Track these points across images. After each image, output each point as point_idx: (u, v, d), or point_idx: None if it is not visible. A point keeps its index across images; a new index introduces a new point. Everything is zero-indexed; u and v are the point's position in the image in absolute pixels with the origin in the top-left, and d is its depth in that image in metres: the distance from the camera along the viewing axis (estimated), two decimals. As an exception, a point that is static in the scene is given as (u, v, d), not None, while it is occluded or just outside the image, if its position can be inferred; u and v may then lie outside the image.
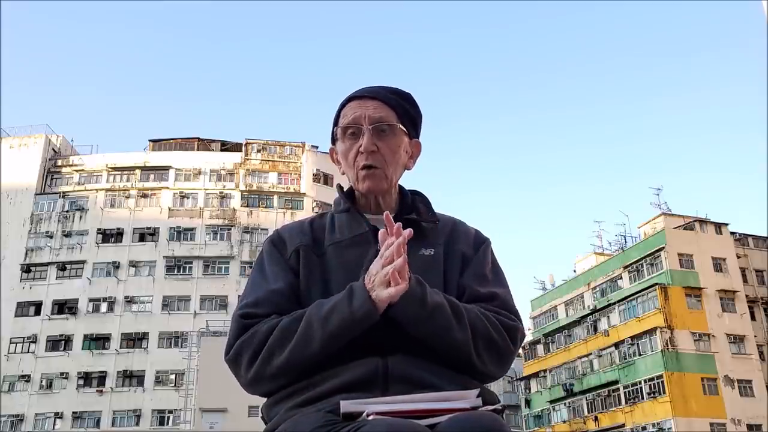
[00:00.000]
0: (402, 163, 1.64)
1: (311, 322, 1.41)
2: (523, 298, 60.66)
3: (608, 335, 46.70)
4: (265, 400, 1.52)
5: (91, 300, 49.84)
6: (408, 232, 1.38)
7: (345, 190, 1.67)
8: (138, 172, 54.23)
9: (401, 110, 1.63)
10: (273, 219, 50.61)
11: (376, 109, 1.60)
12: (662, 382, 41.90)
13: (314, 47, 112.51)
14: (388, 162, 1.59)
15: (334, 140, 1.67)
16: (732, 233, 48.14)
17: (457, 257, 1.60)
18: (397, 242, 1.36)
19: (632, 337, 44.60)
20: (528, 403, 54.33)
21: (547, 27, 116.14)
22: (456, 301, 1.48)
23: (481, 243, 1.66)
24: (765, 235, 49.62)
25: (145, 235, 51.86)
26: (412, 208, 1.65)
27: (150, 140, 57.57)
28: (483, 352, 1.46)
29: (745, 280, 46.30)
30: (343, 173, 1.67)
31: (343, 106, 1.64)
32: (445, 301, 1.45)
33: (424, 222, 1.62)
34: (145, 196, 53.40)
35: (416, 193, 1.70)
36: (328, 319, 1.40)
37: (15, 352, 48.25)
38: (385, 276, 1.36)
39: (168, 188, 53.68)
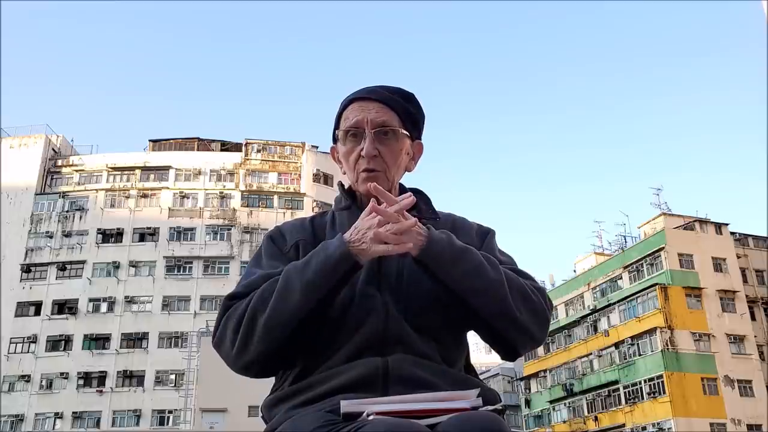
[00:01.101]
0: (403, 166, 1.64)
1: (289, 275, 1.41)
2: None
3: (608, 335, 46.70)
4: (265, 399, 1.51)
5: (91, 300, 49.84)
6: (410, 199, 1.40)
7: (346, 187, 1.67)
8: (138, 172, 54.23)
9: (404, 112, 1.62)
10: (273, 219, 50.57)
11: (379, 112, 1.58)
12: (662, 382, 41.89)
13: (314, 47, 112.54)
14: (389, 165, 1.59)
15: (335, 139, 1.67)
16: (732, 233, 48.13)
17: None
18: (399, 205, 1.38)
19: (632, 337, 44.60)
20: (528, 403, 54.33)
21: (547, 29, 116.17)
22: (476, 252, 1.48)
23: (485, 234, 1.66)
24: (765, 235, 49.65)
25: (145, 235, 51.86)
26: (413, 206, 1.64)
27: (150, 140, 57.60)
28: (518, 301, 1.45)
29: (745, 280, 46.29)
30: (344, 173, 1.67)
31: (344, 106, 1.63)
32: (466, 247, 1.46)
33: (424, 219, 1.62)
34: (145, 196, 53.39)
35: (417, 191, 1.70)
36: (306, 267, 1.40)
37: (15, 352, 48.24)
38: (384, 233, 1.36)
39: (168, 188, 53.67)
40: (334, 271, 1.38)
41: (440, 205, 1.68)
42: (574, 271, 55.21)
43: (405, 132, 1.62)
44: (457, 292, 1.43)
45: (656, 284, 43.93)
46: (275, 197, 53.87)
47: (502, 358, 1.59)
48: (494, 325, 1.46)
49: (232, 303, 1.47)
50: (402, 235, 1.37)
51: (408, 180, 1.69)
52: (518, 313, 1.44)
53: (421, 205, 1.65)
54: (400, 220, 1.37)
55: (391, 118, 1.59)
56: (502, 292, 1.43)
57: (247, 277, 1.54)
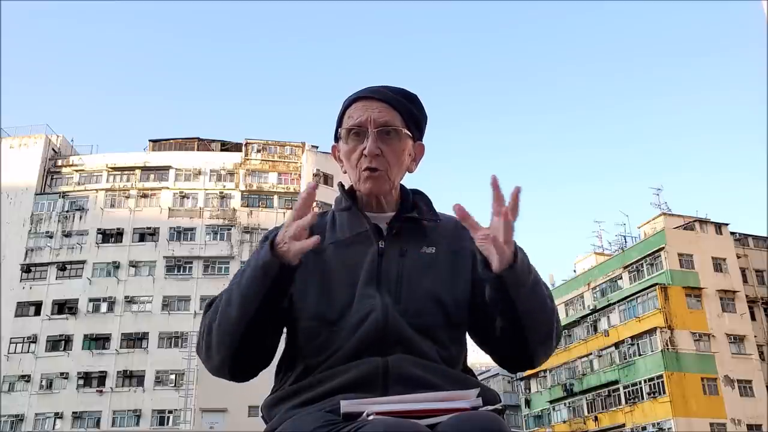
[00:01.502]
0: (405, 167, 1.63)
1: (231, 285, 1.45)
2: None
3: (608, 335, 46.71)
4: (265, 399, 1.52)
5: (91, 300, 49.84)
6: (311, 185, 1.38)
7: (347, 188, 1.67)
8: (138, 172, 54.23)
9: (406, 113, 1.62)
10: (273, 219, 50.57)
11: (382, 111, 1.58)
12: (662, 382, 41.90)
13: (314, 47, 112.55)
14: (391, 165, 1.58)
15: (337, 138, 1.66)
16: (732, 233, 48.14)
17: (465, 254, 1.58)
18: (301, 196, 1.38)
19: (632, 337, 44.61)
20: (528, 403, 54.35)
21: (547, 29, 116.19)
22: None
23: None
24: (765, 235, 49.65)
25: (145, 235, 51.86)
26: (413, 206, 1.64)
27: (150, 140, 57.60)
28: (556, 329, 1.50)
29: (745, 280, 46.29)
30: (345, 172, 1.66)
31: (347, 105, 1.63)
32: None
33: (425, 221, 1.62)
34: (145, 196, 53.39)
35: (417, 192, 1.69)
36: (241, 278, 1.43)
37: (15, 352, 48.24)
38: (295, 229, 1.36)
39: (168, 188, 53.68)
40: (264, 279, 1.38)
41: (441, 205, 1.68)
42: (574, 271, 55.25)
43: (407, 132, 1.61)
44: (514, 312, 1.42)
45: (656, 284, 43.94)
46: (275, 197, 53.86)
47: (505, 367, 1.60)
48: (532, 348, 1.48)
49: (207, 311, 1.51)
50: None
51: (408, 180, 1.69)
52: (554, 343, 1.51)
53: (422, 207, 1.65)
54: (304, 214, 1.37)
55: (394, 118, 1.59)
56: (552, 323, 1.48)
57: (232, 280, 1.56)
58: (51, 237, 51.75)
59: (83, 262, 50.80)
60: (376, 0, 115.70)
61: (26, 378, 47.50)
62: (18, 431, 46.09)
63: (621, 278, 48.08)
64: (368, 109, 1.58)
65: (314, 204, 1.41)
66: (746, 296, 45.48)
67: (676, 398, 41.00)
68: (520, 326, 1.43)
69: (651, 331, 43.33)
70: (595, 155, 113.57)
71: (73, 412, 46.37)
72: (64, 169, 54.59)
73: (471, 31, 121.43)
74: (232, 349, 1.42)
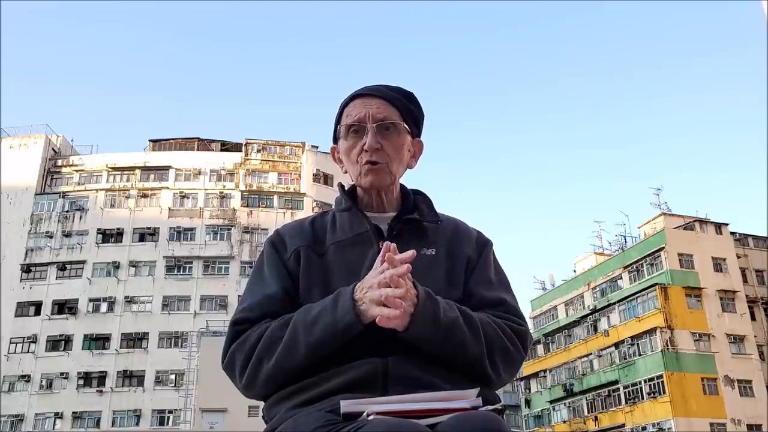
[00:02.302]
0: (405, 162, 1.64)
1: (297, 329, 1.42)
2: (523, 298, 60.59)
3: (608, 335, 46.70)
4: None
5: (91, 300, 49.83)
6: (408, 261, 1.38)
7: (347, 188, 1.67)
8: (138, 172, 54.22)
9: (404, 109, 1.63)
10: (273, 219, 50.58)
11: (380, 107, 1.60)
12: (662, 382, 41.90)
13: (314, 47, 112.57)
14: (392, 159, 1.59)
15: (335, 139, 1.67)
16: (732, 233, 48.14)
17: (461, 259, 1.59)
18: (400, 271, 1.36)
19: (632, 337, 44.61)
20: (528, 403, 54.34)
21: (547, 29, 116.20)
22: (469, 312, 1.47)
23: (483, 246, 1.66)
24: (765, 235, 49.66)
25: (145, 235, 51.85)
26: (414, 207, 1.64)
27: (150, 140, 57.60)
28: (498, 362, 1.48)
29: (745, 280, 46.29)
30: (345, 172, 1.66)
31: (346, 104, 1.64)
32: (459, 314, 1.44)
33: (425, 221, 1.62)
34: (145, 196, 53.39)
35: (418, 193, 1.70)
36: (313, 327, 1.41)
37: (15, 352, 48.23)
38: (380, 296, 1.35)
39: (168, 188, 53.67)
40: (341, 337, 1.40)
41: (441, 206, 1.68)
42: (574, 271, 55.24)
43: (406, 127, 1.63)
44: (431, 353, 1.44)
45: (656, 284, 43.94)
46: (275, 197, 53.86)
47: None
48: (476, 377, 1.48)
49: (239, 329, 1.50)
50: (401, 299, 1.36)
51: (408, 180, 1.70)
52: (494, 375, 1.48)
53: (423, 207, 1.65)
54: (403, 285, 1.36)
55: (392, 113, 1.61)
56: (481, 364, 1.45)
57: (250, 293, 1.56)
58: (51, 237, 51.75)
59: (83, 262, 50.79)
60: (376, 0, 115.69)
61: (26, 378, 47.49)
62: (18, 431, 46.08)
63: (621, 278, 48.08)
64: (367, 106, 1.60)
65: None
66: (746, 296, 45.48)
67: (676, 398, 41.00)
68: (455, 367, 1.45)
69: (651, 331, 43.33)
70: (595, 155, 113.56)
71: (73, 412, 46.36)
72: (64, 169, 54.59)
73: (471, 31, 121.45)
74: (283, 386, 1.44)
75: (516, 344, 1.51)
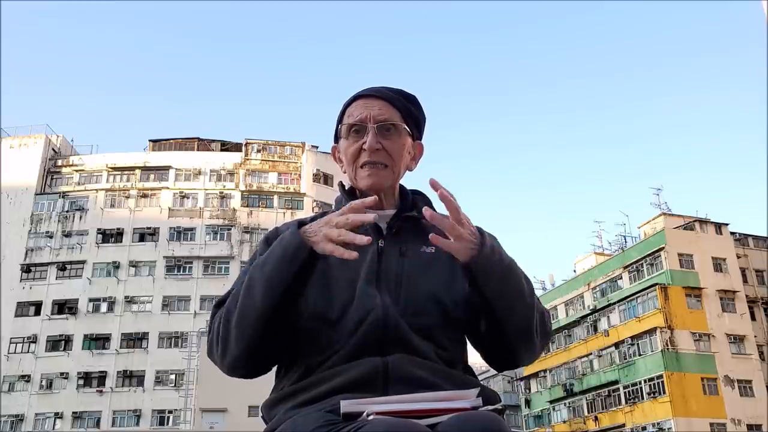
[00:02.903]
0: (405, 164, 1.65)
1: (252, 272, 1.43)
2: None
3: (608, 335, 46.69)
4: (265, 400, 1.51)
5: (91, 300, 49.84)
6: (370, 199, 1.40)
7: (347, 188, 1.68)
8: (138, 172, 54.24)
9: (406, 111, 1.64)
10: (273, 219, 50.58)
11: (382, 109, 1.60)
12: (662, 382, 41.89)
13: (314, 47, 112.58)
14: (394, 160, 1.60)
15: (337, 139, 1.68)
16: (732, 233, 48.13)
17: None
18: (365, 218, 1.37)
19: (632, 337, 44.60)
20: (528, 403, 54.34)
21: (547, 29, 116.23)
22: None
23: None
24: (765, 235, 49.64)
25: (145, 235, 51.86)
26: (413, 206, 1.65)
27: (150, 140, 57.62)
28: (539, 326, 1.50)
29: (745, 280, 46.28)
30: (345, 172, 1.67)
31: (348, 104, 1.65)
32: (513, 262, 1.48)
33: (424, 220, 1.62)
34: (145, 196, 53.40)
35: (417, 193, 1.70)
36: (265, 262, 1.41)
37: (15, 352, 48.25)
38: (338, 235, 1.34)
39: (168, 188, 53.68)
40: (292, 261, 1.38)
41: (440, 206, 1.68)
42: (574, 271, 55.23)
43: (407, 128, 1.63)
44: (489, 304, 1.44)
45: (656, 284, 43.93)
46: (275, 197, 53.87)
47: (492, 366, 1.61)
48: (510, 343, 1.49)
49: (217, 310, 1.51)
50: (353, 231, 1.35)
51: (408, 181, 1.70)
52: (536, 339, 1.50)
53: (421, 206, 1.65)
54: (358, 221, 1.36)
55: (394, 115, 1.61)
56: (531, 316, 1.47)
57: (237, 281, 1.56)
58: (51, 237, 51.75)
59: (83, 262, 50.79)
60: (376, 0, 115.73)
61: (26, 378, 47.50)
62: (18, 431, 46.09)
63: (621, 278, 48.07)
64: (368, 107, 1.60)
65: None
66: (746, 296, 45.46)
67: (676, 398, 41.00)
68: (496, 318, 1.45)
69: (651, 331, 43.32)
70: (595, 155, 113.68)
71: (73, 412, 46.37)
72: (64, 169, 54.60)
73: (471, 31, 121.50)
74: (253, 342, 1.42)
75: (549, 321, 1.55)
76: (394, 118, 1.61)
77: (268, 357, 1.48)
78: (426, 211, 1.41)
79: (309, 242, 1.37)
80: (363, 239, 1.34)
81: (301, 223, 1.61)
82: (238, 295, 1.43)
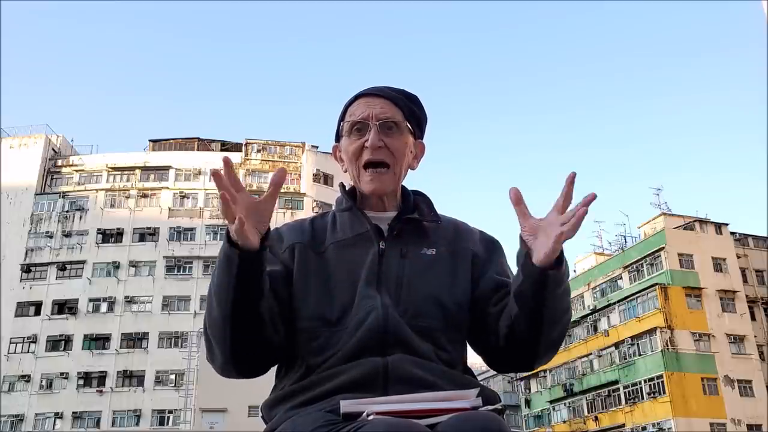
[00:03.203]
0: (407, 163, 1.64)
1: (210, 283, 1.44)
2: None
3: (608, 335, 46.69)
4: (265, 400, 1.51)
5: (91, 300, 49.83)
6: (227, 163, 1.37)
7: (347, 188, 1.67)
8: (138, 172, 54.24)
9: (408, 110, 1.64)
10: (273, 219, 50.10)
11: (384, 107, 1.60)
12: (662, 382, 41.89)
13: (314, 47, 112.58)
14: (396, 158, 1.59)
15: (338, 138, 1.67)
16: (732, 233, 48.12)
17: (466, 255, 1.59)
18: (217, 174, 1.36)
19: (632, 337, 44.60)
20: (528, 403, 54.34)
21: (547, 29, 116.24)
22: None
23: (491, 244, 1.66)
24: (765, 235, 49.64)
25: (145, 235, 51.86)
26: (414, 207, 1.64)
27: (150, 140, 57.61)
28: (561, 336, 1.52)
29: (745, 280, 46.27)
30: (346, 170, 1.66)
31: (350, 103, 1.65)
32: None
33: (426, 221, 1.62)
34: (145, 196, 53.40)
35: (418, 193, 1.70)
36: (214, 272, 1.42)
37: (15, 352, 48.23)
38: (229, 213, 1.33)
39: (168, 188, 53.69)
40: (229, 268, 1.36)
41: (441, 206, 1.68)
42: (574, 271, 55.17)
43: (409, 127, 1.63)
44: (540, 310, 1.42)
45: (656, 284, 43.92)
46: (275, 197, 53.82)
47: (492, 367, 1.60)
48: (536, 351, 1.49)
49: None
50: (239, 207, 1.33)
51: (408, 181, 1.70)
52: (557, 349, 1.53)
53: (423, 207, 1.65)
54: (216, 173, 1.36)
55: (396, 113, 1.61)
56: (564, 333, 1.50)
57: None
58: (51, 237, 51.75)
59: (83, 262, 50.79)
60: (376, 0, 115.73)
61: (26, 378, 47.49)
62: (18, 431, 46.08)
63: (621, 278, 48.07)
64: (370, 106, 1.60)
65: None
66: (746, 296, 45.46)
67: (676, 398, 40.99)
68: (539, 324, 1.43)
69: (651, 331, 43.32)
70: (595, 155, 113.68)
71: (73, 412, 46.36)
72: (64, 169, 54.60)
73: (471, 31, 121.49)
74: (229, 346, 1.42)
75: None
76: (396, 116, 1.60)
77: (258, 357, 1.47)
78: (515, 193, 1.42)
79: (235, 238, 1.34)
80: (277, 178, 1.36)
81: (314, 221, 1.62)
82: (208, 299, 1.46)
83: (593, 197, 1.36)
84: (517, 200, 1.41)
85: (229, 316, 1.38)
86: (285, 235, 1.61)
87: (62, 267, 50.52)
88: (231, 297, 1.37)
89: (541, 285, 1.39)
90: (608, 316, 47.46)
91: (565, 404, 50.04)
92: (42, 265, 50.85)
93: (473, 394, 1.34)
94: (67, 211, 52.64)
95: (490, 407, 1.32)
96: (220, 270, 1.38)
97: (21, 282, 50.26)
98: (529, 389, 54.36)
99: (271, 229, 1.50)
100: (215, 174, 1.35)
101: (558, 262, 1.38)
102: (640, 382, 43.51)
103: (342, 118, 1.65)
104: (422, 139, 1.70)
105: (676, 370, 41.81)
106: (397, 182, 1.62)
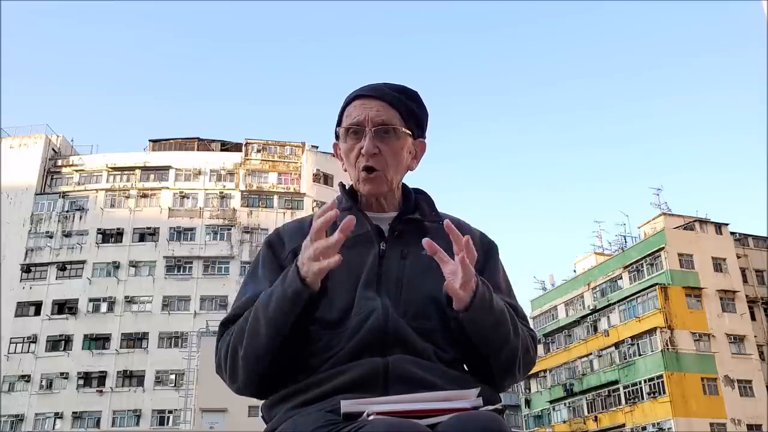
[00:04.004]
0: (404, 165, 1.63)
1: (257, 310, 1.43)
2: (524, 298, 60.49)
3: (608, 335, 46.71)
4: (265, 400, 1.51)
5: (91, 300, 49.84)
6: (329, 206, 1.38)
7: (347, 188, 1.67)
8: (138, 172, 54.24)
9: (406, 111, 1.61)
10: (273, 219, 50.61)
11: (380, 110, 1.58)
12: (662, 382, 41.90)
13: (314, 47, 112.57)
14: (389, 165, 1.57)
15: (338, 136, 1.66)
16: (732, 233, 48.14)
17: None
18: (321, 217, 1.35)
19: (632, 337, 44.61)
20: (528, 403, 54.34)
21: (547, 29, 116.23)
22: (506, 305, 1.51)
23: (489, 247, 1.66)
24: (765, 235, 49.66)
25: (145, 235, 51.86)
26: (415, 207, 1.64)
27: (150, 140, 57.62)
28: (522, 363, 1.52)
29: (745, 280, 46.29)
30: (346, 170, 1.66)
31: (347, 103, 1.63)
32: (504, 305, 1.49)
33: (427, 221, 1.61)
34: (145, 196, 53.40)
35: (419, 192, 1.69)
36: (269, 304, 1.41)
37: (15, 352, 48.24)
38: (315, 251, 1.34)
39: (168, 188, 53.69)
40: (293, 308, 1.38)
41: (442, 206, 1.68)
42: (574, 271, 55.23)
43: (406, 131, 1.61)
44: (475, 343, 1.46)
45: (656, 284, 43.94)
46: (275, 197, 53.88)
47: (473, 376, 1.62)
48: (492, 376, 1.51)
49: (225, 330, 1.51)
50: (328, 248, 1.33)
51: (409, 180, 1.69)
52: (518, 374, 1.52)
53: (424, 207, 1.65)
54: (323, 224, 1.35)
55: (392, 116, 1.58)
56: (514, 356, 1.49)
57: (241, 294, 1.57)
58: (51, 237, 51.76)
59: (83, 262, 50.80)
60: (376, 0, 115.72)
61: (26, 378, 47.50)
62: (18, 431, 46.09)
63: (621, 278, 48.08)
64: (366, 108, 1.58)
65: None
66: (746, 296, 45.47)
67: (676, 398, 41.00)
68: (481, 356, 1.48)
69: (651, 331, 43.33)
70: (595, 155, 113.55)
71: (73, 412, 46.37)
72: (64, 169, 54.61)
73: (471, 31, 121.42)
74: (260, 374, 1.44)
75: (534, 348, 1.57)
76: (392, 120, 1.58)
77: (275, 381, 1.49)
78: (429, 245, 1.40)
79: (304, 276, 1.36)
80: (348, 224, 1.33)
81: (301, 228, 1.61)
82: (243, 327, 1.44)
83: (466, 241, 1.38)
84: (432, 251, 1.41)
85: (276, 349, 1.41)
86: (286, 239, 1.61)
87: (62, 267, 50.53)
88: (284, 332, 1.39)
89: (461, 326, 1.43)
90: (608, 316, 47.47)
91: (565, 404, 50.05)
92: (42, 265, 50.86)
93: (473, 394, 1.33)
94: (67, 211, 52.65)
95: (491, 407, 1.32)
96: (284, 303, 1.38)
97: (21, 282, 50.27)
98: (529, 389, 54.37)
99: (272, 231, 1.51)
100: (329, 218, 1.35)
101: (473, 301, 1.39)
102: (640, 382, 43.52)
103: (340, 119, 1.64)
104: (423, 136, 1.68)
105: (676, 370, 41.82)
106: (392, 186, 1.61)
